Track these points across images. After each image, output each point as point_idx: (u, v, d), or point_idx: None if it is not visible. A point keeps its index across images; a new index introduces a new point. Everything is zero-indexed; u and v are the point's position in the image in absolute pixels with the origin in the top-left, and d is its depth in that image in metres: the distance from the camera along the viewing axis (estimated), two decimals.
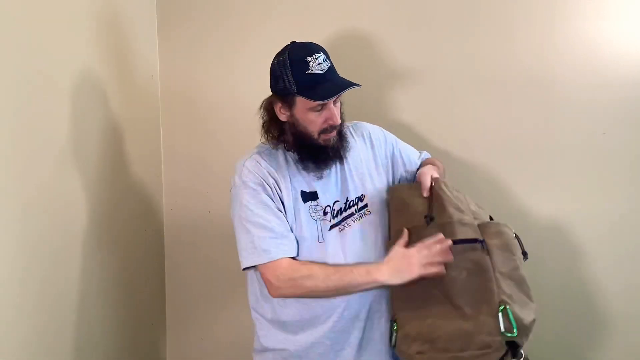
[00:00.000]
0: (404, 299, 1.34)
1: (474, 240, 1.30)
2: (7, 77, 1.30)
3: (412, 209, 1.41)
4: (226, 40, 1.99)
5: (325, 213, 1.40)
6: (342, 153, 1.42)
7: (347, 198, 1.43)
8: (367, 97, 1.82)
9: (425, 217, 1.38)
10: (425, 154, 1.64)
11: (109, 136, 1.75)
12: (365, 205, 1.44)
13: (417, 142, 1.85)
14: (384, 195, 1.49)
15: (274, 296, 1.36)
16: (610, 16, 1.72)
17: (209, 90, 2.02)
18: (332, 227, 1.40)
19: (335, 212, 1.41)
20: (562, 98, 1.77)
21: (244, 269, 1.39)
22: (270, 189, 1.37)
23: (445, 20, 1.83)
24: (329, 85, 1.33)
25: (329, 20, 1.89)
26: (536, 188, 1.81)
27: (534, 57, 1.77)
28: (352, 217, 1.42)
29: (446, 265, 1.28)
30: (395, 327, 1.34)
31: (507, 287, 1.25)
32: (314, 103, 1.34)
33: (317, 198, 1.41)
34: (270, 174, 1.39)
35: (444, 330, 1.25)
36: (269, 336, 1.44)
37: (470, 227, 1.33)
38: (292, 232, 1.38)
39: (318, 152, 1.39)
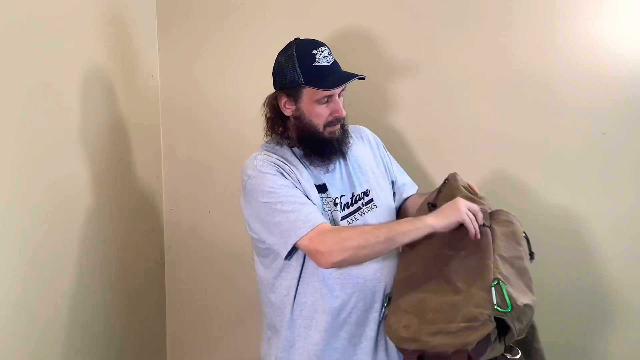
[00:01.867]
0: (403, 279, 1.35)
1: (482, 225, 1.31)
2: (8, 79, 1.30)
3: None
4: (226, 40, 1.99)
5: (335, 204, 1.42)
6: (345, 147, 1.45)
7: (353, 193, 1.46)
8: (365, 97, 1.83)
9: (429, 204, 1.42)
10: (415, 187, 1.65)
11: (109, 136, 1.75)
12: (371, 200, 1.47)
13: (416, 142, 1.86)
14: (387, 190, 1.53)
15: (326, 266, 1.31)
16: (610, 16, 1.72)
17: (209, 90, 2.02)
18: (342, 218, 1.42)
19: (343, 205, 1.43)
20: (562, 98, 1.77)
21: (288, 255, 1.34)
22: (288, 175, 1.37)
23: (445, 20, 1.82)
24: (336, 76, 1.37)
25: (329, 21, 1.89)
26: (536, 188, 1.81)
27: (534, 57, 1.77)
28: (360, 211, 1.45)
29: (446, 246, 1.30)
30: (386, 304, 1.34)
31: (505, 269, 1.23)
32: (321, 94, 1.36)
33: (327, 190, 1.42)
34: (284, 163, 1.39)
35: (434, 302, 1.23)
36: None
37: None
38: None
39: (323, 146, 1.41)
